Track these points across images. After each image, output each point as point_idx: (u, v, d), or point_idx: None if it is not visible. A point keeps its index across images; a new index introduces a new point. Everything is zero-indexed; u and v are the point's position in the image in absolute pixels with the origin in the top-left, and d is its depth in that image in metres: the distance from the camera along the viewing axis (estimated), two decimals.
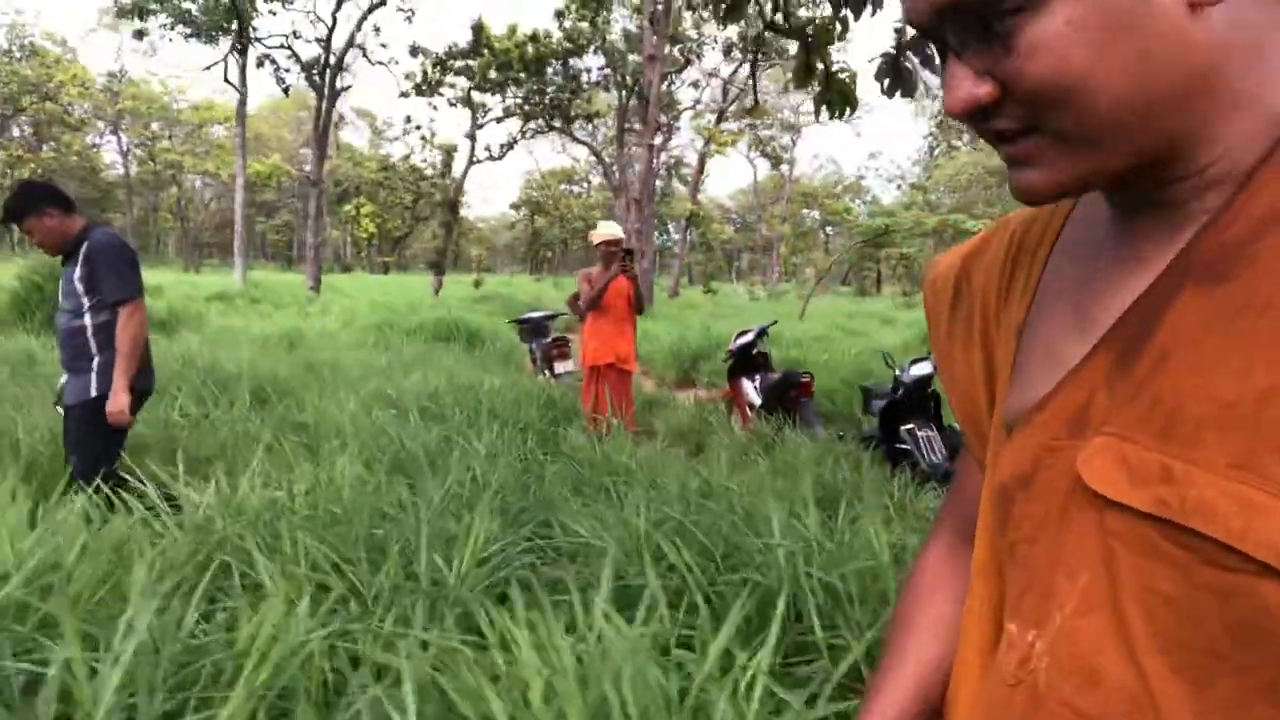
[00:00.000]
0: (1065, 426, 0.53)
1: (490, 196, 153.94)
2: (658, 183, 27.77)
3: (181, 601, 2.13)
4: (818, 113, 4.02)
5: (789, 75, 10.26)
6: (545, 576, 2.61)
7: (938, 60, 0.53)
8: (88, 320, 3.74)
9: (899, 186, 65.93)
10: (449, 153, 27.62)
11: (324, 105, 21.55)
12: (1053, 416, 0.54)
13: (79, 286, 3.72)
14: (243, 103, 21.26)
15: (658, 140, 21.26)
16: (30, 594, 2.14)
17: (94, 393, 3.69)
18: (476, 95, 25.04)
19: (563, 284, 40.66)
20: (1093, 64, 0.45)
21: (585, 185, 74.73)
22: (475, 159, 26.57)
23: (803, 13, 13.92)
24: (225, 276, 31.10)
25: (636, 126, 31.74)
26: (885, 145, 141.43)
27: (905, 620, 0.76)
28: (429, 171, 55.83)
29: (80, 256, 3.71)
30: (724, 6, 4.05)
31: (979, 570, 0.65)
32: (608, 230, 6.17)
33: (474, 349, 12.59)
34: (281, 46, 21.23)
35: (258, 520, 2.91)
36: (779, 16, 4.34)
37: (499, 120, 27.69)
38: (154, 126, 62.21)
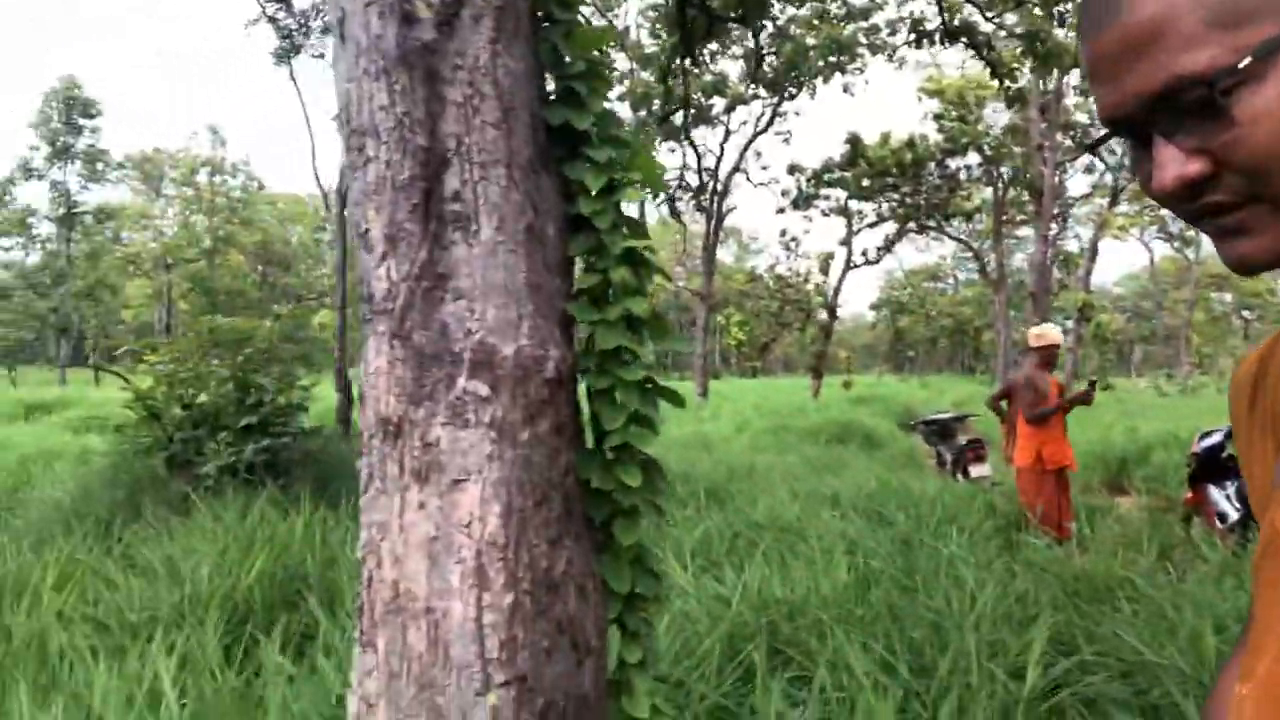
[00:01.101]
0: None
1: (846, 299, 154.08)
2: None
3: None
4: None
5: None
6: (1103, 694, 2.58)
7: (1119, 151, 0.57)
8: None
9: None
10: (827, 260, 28.45)
11: (712, 227, 23.43)
12: None
13: None
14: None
15: (1051, 230, 20.18)
16: None
17: None
18: (853, 204, 25.70)
19: (930, 384, 39.37)
20: None
21: (952, 281, 72.26)
22: (852, 264, 27.07)
23: None
24: None
25: (1018, 218, 30.41)
26: None
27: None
28: (794, 279, 57.68)
29: None
30: None
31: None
32: (1050, 333, 6.05)
33: (873, 450, 12.61)
34: (678, 179, 23.57)
35: (794, 612, 3.21)
36: None
37: (872, 225, 28.06)
38: None
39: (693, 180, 23.39)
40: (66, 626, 3.30)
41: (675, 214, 25.40)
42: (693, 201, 24.68)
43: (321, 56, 11.12)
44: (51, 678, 2.81)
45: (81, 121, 42.11)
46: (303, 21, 10.29)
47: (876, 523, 5.76)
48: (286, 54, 10.42)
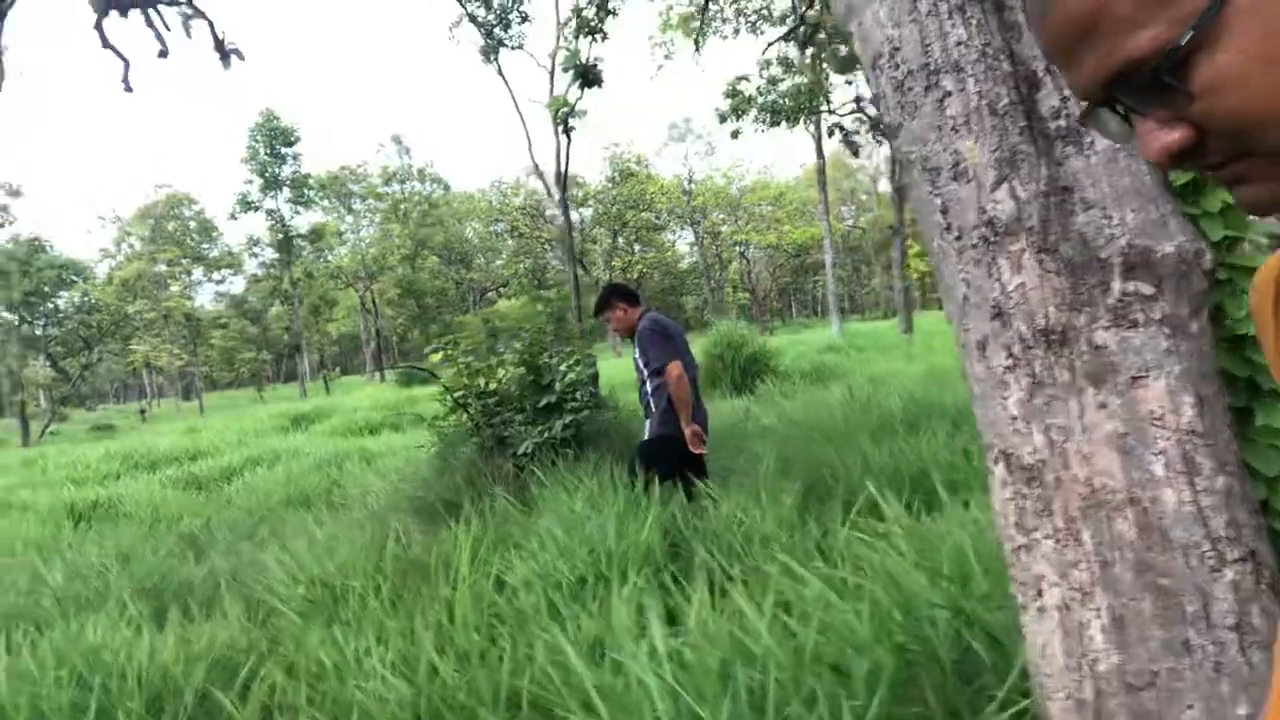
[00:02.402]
0: None
1: None
2: None
3: None
4: None
5: None
6: None
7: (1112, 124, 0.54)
8: (647, 386, 4.91)
9: None
10: None
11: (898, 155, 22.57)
12: None
13: (638, 360, 4.94)
14: (821, 170, 23.20)
15: None
16: None
17: (644, 438, 4.95)
18: None
19: None
20: (1278, 81, 0.45)
21: None
22: None
23: None
24: (819, 333, 33.74)
25: None
26: None
27: None
28: None
29: (635, 338, 4.95)
30: None
31: None
32: None
33: None
34: (853, 111, 22.88)
35: None
36: None
37: None
38: (717, 215, 70.74)
39: (871, 110, 22.59)
40: (508, 591, 3.66)
41: (852, 147, 24.69)
42: (871, 133, 23.89)
43: (520, 47, 11.49)
44: (517, 631, 3.13)
45: (284, 150, 45.96)
46: (502, 14, 10.69)
47: None
48: (493, 49, 10.85)
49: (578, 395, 6.86)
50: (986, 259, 1.55)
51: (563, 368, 6.99)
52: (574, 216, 61.98)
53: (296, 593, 3.99)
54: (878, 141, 24.77)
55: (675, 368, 4.69)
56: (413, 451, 10.81)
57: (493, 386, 7.19)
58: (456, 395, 7.00)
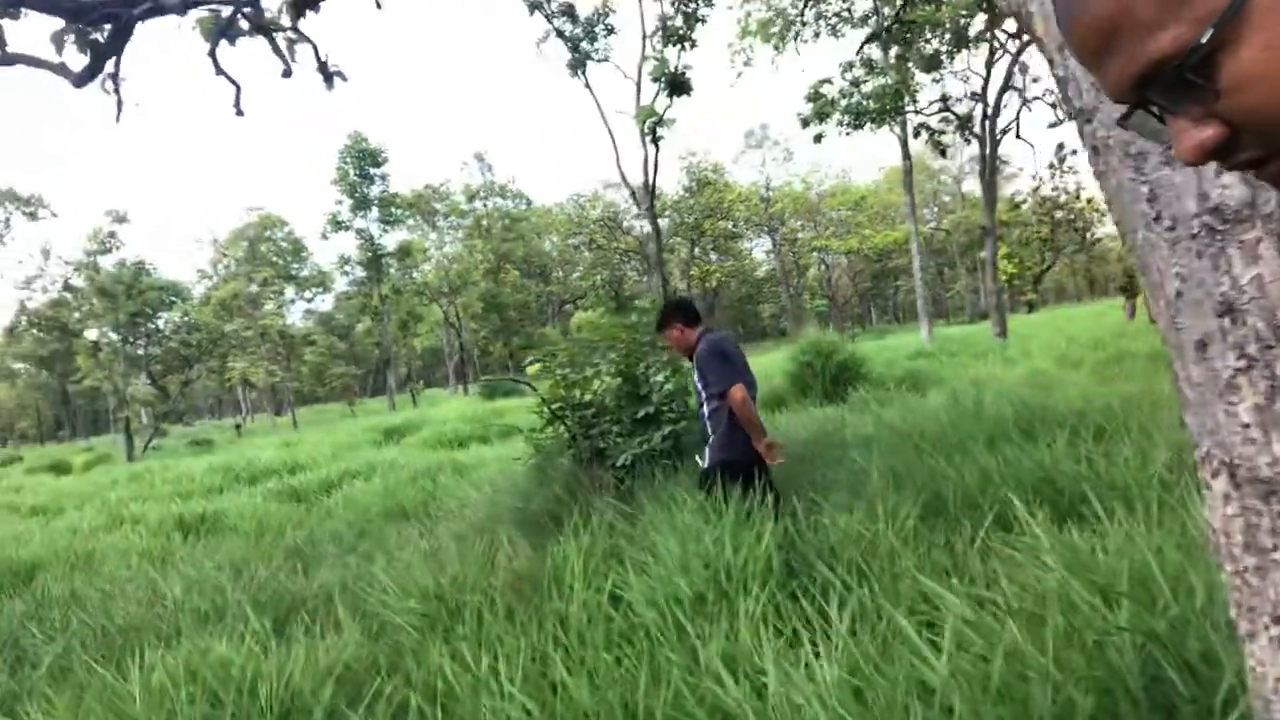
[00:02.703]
0: None
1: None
2: None
3: None
4: None
5: None
6: None
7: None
8: (705, 409, 4.69)
9: None
10: None
11: (988, 153, 21.97)
12: None
13: (697, 383, 4.75)
14: (908, 171, 22.71)
15: None
16: None
17: (705, 466, 4.65)
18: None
19: None
20: None
21: None
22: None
23: None
24: (904, 338, 33.03)
25: None
26: None
27: None
28: (1064, 199, 53.14)
29: (694, 359, 4.76)
30: None
31: None
32: None
33: None
34: (940, 111, 22.34)
35: None
36: None
37: None
38: (794, 222, 70.09)
39: (958, 109, 22.06)
40: (623, 607, 3.57)
41: (939, 147, 24.09)
42: (958, 132, 23.28)
43: (606, 60, 11.52)
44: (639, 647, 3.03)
45: (372, 171, 47.34)
46: (588, 28, 10.72)
47: None
48: (580, 63, 10.90)
49: (674, 406, 6.77)
50: (1211, 250, 1.39)
51: (659, 378, 6.91)
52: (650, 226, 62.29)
53: (409, 606, 3.97)
54: (965, 141, 24.14)
55: (738, 390, 4.54)
56: (504, 463, 10.87)
57: (588, 398, 7.16)
58: (554, 407, 6.98)
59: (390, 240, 49.95)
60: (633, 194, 16.84)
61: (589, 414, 6.91)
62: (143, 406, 43.54)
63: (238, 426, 55.49)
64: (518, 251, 58.59)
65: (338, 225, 47.09)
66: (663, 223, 61.98)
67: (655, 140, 12.46)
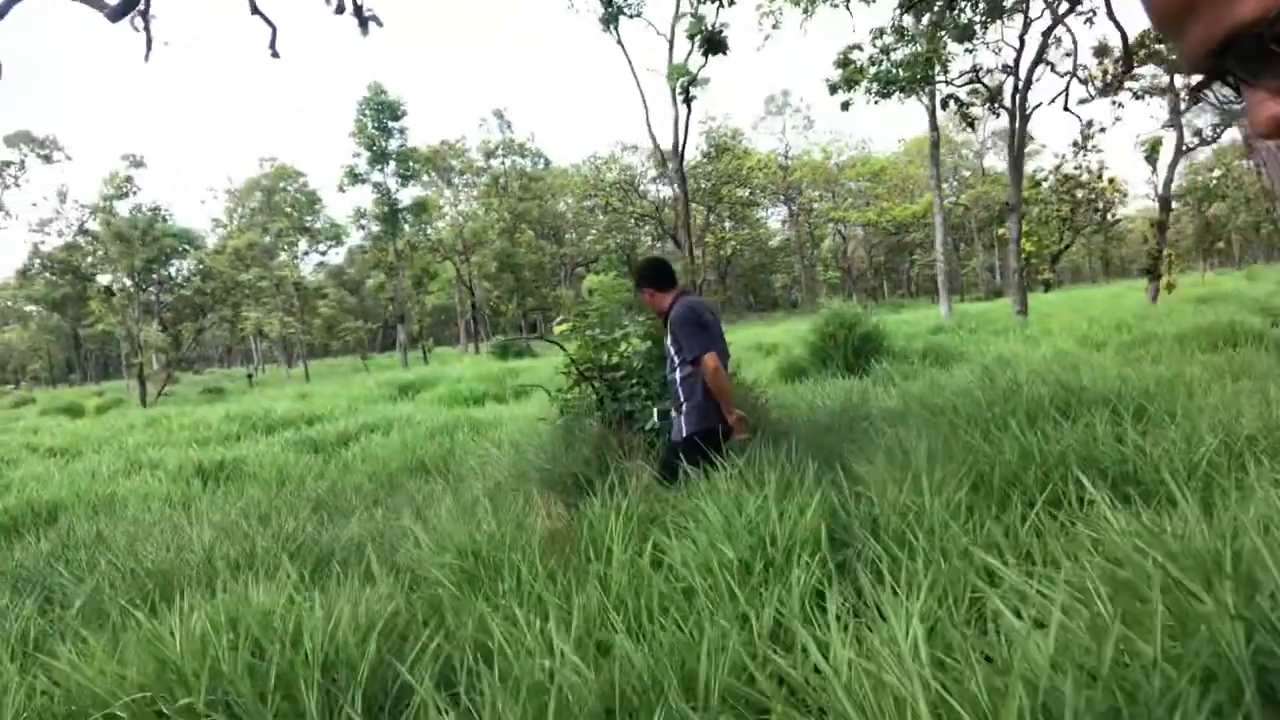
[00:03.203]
0: None
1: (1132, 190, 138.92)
2: None
3: None
4: None
5: None
6: None
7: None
8: (676, 375, 4.67)
9: None
10: (1153, 147, 25.34)
11: (1017, 127, 21.57)
12: None
13: (669, 347, 4.72)
14: (935, 144, 22.37)
15: None
16: None
17: (683, 434, 4.64)
18: (1179, 79, 22.62)
19: (1257, 274, 34.50)
20: None
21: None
22: (1185, 147, 23.93)
23: None
24: (920, 313, 32.77)
25: None
26: None
27: None
28: (1085, 178, 52.37)
29: (668, 324, 4.72)
30: None
31: None
32: None
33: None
34: (970, 82, 21.92)
35: None
36: None
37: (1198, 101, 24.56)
38: (811, 191, 69.42)
39: (988, 80, 21.63)
40: (664, 570, 3.50)
41: (967, 119, 23.68)
42: (987, 105, 22.88)
43: (639, 15, 11.30)
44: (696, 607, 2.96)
45: (390, 124, 46.88)
46: None
47: None
48: (612, 17, 10.68)
49: None
50: None
51: None
52: (668, 192, 61.79)
53: (445, 561, 3.91)
54: (994, 114, 23.73)
55: (712, 359, 4.52)
56: (522, 423, 10.81)
57: (616, 360, 7.06)
58: (583, 368, 6.89)
59: (405, 196, 49.69)
60: (661, 156, 16.59)
61: (618, 376, 6.82)
62: (155, 353, 43.64)
63: (250, 376, 55.67)
64: (534, 211, 58.23)
65: (355, 178, 46.73)
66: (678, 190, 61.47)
67: (688, 100, 12.17)
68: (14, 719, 2.64)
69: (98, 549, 5.47)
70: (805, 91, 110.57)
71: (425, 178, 54.89)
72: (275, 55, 5.88)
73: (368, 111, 46.35)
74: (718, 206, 61.30)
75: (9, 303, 76.24)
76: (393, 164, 46.99)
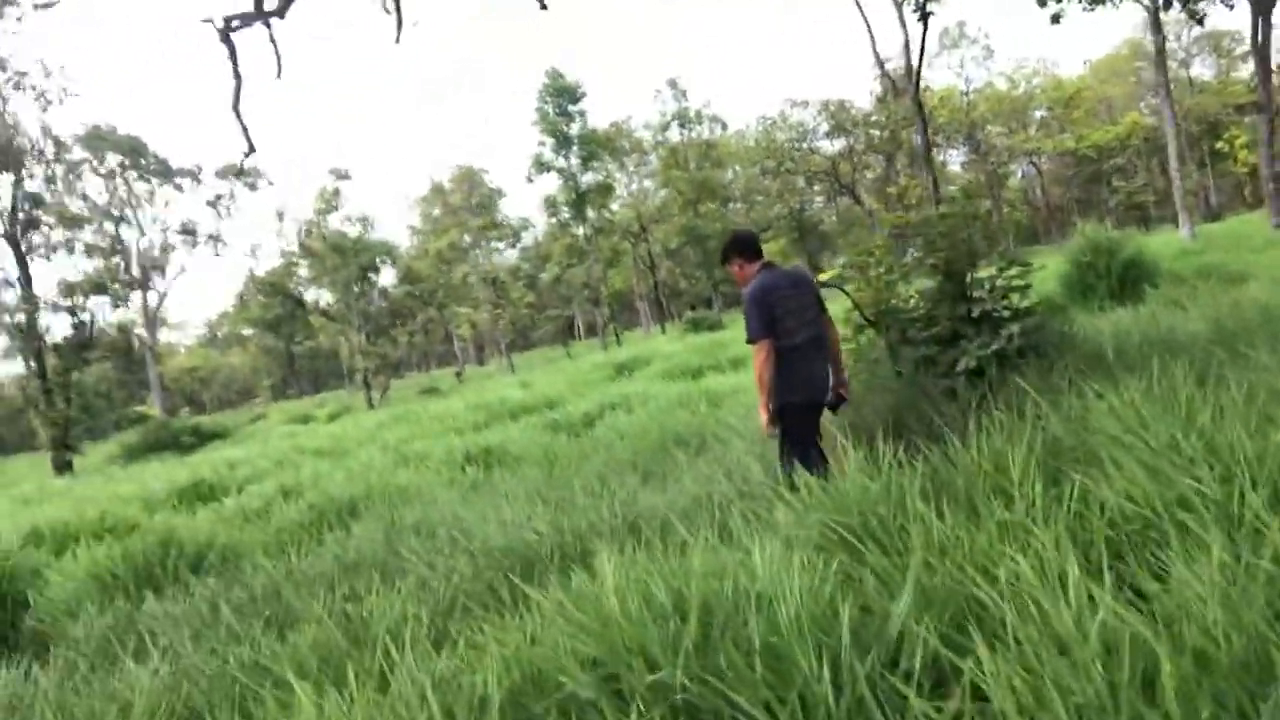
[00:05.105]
0: None
1: None
2: None
3: None
4: None
5: None
6: None
7: None
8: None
9: None
10: None
11: (1260, 21, 19.00)
12: None
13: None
14: (1160, 49, 20.16)
15: None
16: None
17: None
18: None
19: None
20: None
21: None
22: None
23: None
24: (1154, 238, 29.88)
25: None
26: None
27: None
28: None
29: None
30: None
31: None
32: None
33: None
34: None
35: None
36: None
37: None
38: (994, 127, 64.81)
39: None
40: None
41: (1194, 15, 21.13)
42: None
43: None
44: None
45: (570, 108, 47.71)
46: None
47: None
48: None
49: (1008, 304, 6.07)
50: None
51: (991, 272, 6.21)
52: (841, 144, 59.53)
53: (833, 519, 3.59)
54: (1228, 6, 21.06)
55: (762, 348, 4.52)
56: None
57: (910, 300, 6.56)
58: (870, 312, 6.44)
59: (586, 180, 50.19)
60: (892, 83, 15.72)
61: (911, 316, 6.31)
62: (370, 360, 46.51)
63: (458, 374, 58.65)
64: (713, 180, 57.66)
65: (541, 166, 47.75)
66: (853, 141, 59.08)
67: (924, 17, 11.20)
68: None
69: (433, 535, 5.59)
70: (983, 20, 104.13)
71: (598, 161, 55.41)
72: (543, 7, 5.77)
73: (547, 98, 47.13)
74: (898, 153, 58.41)
75: (230, 328, 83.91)
76: (576, 147, 47.85)
